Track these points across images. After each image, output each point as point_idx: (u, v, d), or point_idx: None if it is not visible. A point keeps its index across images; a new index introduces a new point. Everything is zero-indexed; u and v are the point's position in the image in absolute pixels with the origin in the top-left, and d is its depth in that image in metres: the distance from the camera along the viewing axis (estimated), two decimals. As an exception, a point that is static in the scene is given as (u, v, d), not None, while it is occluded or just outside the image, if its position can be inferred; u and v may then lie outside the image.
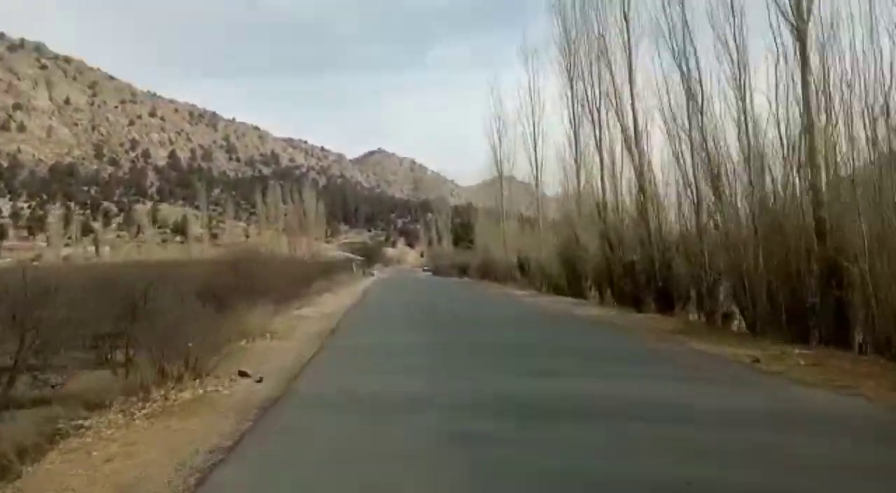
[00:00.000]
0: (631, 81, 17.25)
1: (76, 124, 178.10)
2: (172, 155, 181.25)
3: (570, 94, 22.90)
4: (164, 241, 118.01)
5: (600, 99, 19.85)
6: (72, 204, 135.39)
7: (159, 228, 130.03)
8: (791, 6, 10.67)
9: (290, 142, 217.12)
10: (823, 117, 10.10)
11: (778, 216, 10.46)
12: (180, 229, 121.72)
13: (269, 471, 4.64)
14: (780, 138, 10.61)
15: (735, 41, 11.79)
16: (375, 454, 4.92)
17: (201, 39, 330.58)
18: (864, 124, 9.06)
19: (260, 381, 8.11)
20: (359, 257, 74.13)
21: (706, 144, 12.26)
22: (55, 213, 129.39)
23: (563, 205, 24.97)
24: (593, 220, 20.72)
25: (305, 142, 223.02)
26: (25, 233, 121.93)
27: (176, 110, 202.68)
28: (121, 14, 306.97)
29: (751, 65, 11.69)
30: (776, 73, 10.73)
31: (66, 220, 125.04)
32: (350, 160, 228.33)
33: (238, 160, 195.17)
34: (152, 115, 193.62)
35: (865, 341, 9.29)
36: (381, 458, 4.81)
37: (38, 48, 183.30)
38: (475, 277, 47.35)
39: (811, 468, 4.25)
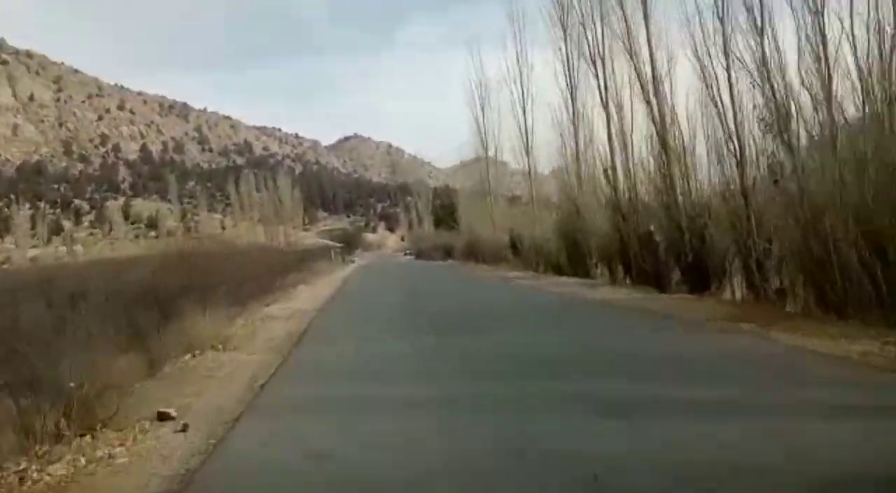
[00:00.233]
0: (646, 15, 14.60)
1: (42, 121, 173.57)
2: (144, 148, 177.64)
3: (564, 47, 20.31)
4: (137, 236, 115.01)
5: (605, 46, 17.27)
6: (41, 203, 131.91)
7: (133, 223, 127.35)
8: None
9: (263, 130, 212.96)
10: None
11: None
12: (154, 224, 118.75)
13: None
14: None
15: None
16: None
17: (169, 29, 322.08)
18: None
19: (184, 429, 5.53)
20: (338, 244, 71.43)
21: (768, 77, 9.65)
22: (24, 213, 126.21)
23: (559, 175, 22.26)
24: (598, 187, 18.22)
25: (279, 130, 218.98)
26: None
27: (145, 102, 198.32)
28: (83, 6, 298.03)
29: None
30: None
31: (35, 220, 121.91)
32: (325, 146, 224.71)
33: (211, 151, 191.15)
34: (121, 108, 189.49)
35: None
36: None
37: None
38: (461, 259, 44.85)
39: None
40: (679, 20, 12.70)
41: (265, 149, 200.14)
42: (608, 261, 18.33)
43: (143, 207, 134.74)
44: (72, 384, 5.29)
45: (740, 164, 11.16)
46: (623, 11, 15.53)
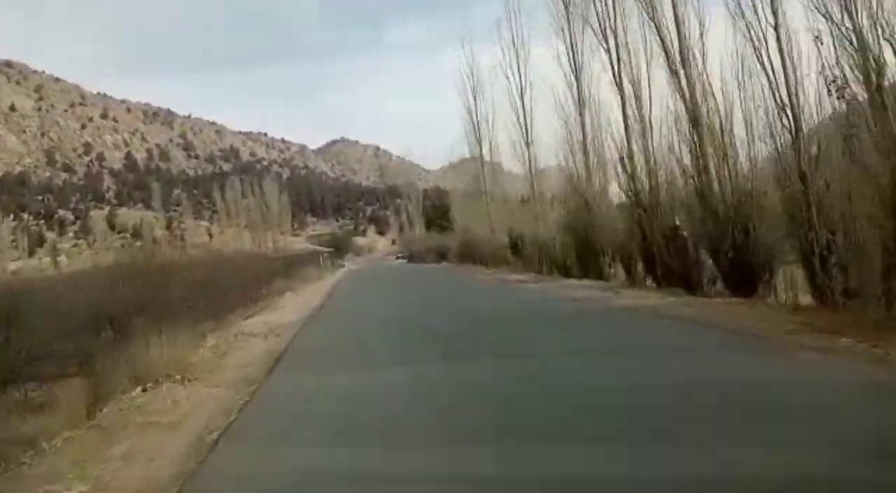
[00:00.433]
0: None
1: (24, 131, 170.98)
2: (128, 157, 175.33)
3: (567, 23, 18.46)
4: (123, 246, 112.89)
5: (616, 13, 15.39)
6: (25, 215, 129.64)
7: (119, 233, 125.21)
8: None
9: (249, 135, 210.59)
10: None
11: None
12: (139, 233, 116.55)
13: None
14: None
15: None
16: None
17: (151, 35, 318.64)
18: None
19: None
20: (327, 249, 69.44)
21: (852, 20, 7.75)
22: (7, 225, 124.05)
23: (564, 166, 20.38)
24: (610, 177, 16.40)
25: (265, 134, 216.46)
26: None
27: (129, 110, 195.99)
28: (63, 14, 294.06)
29: None
30: None
31: (17, 232, 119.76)
32: (313, 150, 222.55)
33: (197, 157, 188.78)
34: (104, 116, 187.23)
35: None
36: None
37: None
38: (456, 261, 43.00)
39: None
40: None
41: (252, 154, 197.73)
42: (625, 260, 16.44)
43: (129, 216, 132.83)
44: None
45: (795, 140, 9.37)
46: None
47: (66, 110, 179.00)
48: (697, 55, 12.07)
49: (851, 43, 7.63)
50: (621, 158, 15.03)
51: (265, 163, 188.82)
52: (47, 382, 9.00)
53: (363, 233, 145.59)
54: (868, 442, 3.88)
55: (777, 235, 10.55)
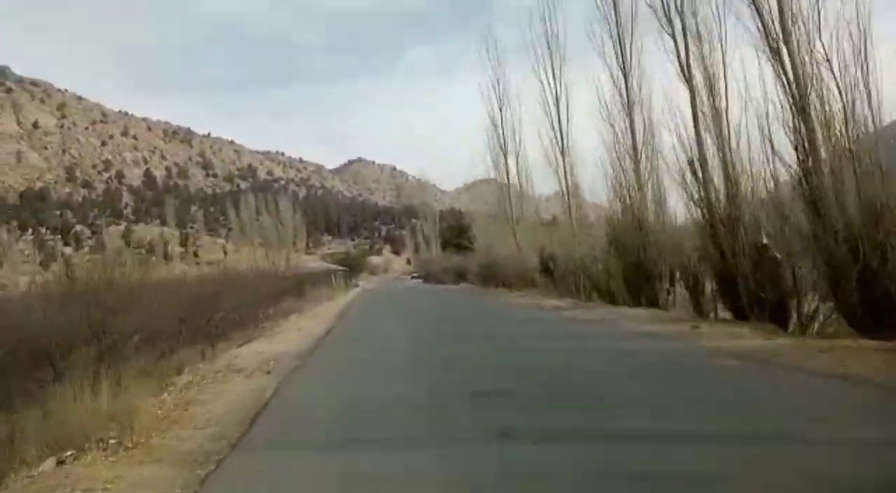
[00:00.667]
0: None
1: (46, 148, 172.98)
2: (147, 174, 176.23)
3: (613, 13, 15.99)
4: (140, 263, 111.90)
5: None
6: (43, 229, 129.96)
7: (135, 249, 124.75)
8: None
9: (267, 155, 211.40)
10: None
11: None
12: (153, 250, 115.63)
13: None
14: None
15: None
16: None
17: (173, 56, 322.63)
18: None
19: None
20: (340, 268, 67.17)
21: None
22: (25, 239, 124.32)
23: (611, 176, 17.57)
24: (664, 188, 13.77)
25: (283, 154, 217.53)
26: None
27: (149, 129, 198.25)
28: (87, 35, 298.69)
29: None
30: None
31: (35, 245, 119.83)
32: (329, 170, 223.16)
33: (215, 176, 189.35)
34: (125, 134, 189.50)
35: None
36: None
37: (2, 72, 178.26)
38: (477, 282, 40.39)
39: None
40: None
41: (269, 173, 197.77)
42: (691, 286, 13.69)
43: (145, 232, 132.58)
44: None
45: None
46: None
47: (87, 128, 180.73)
48: (803, 29, 9.44)
49: None
50: (690, 163, 12.28)
51: (282, 182, 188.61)
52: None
53: (378, 252, 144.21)
54: None
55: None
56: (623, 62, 17.13)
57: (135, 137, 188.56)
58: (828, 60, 8.90)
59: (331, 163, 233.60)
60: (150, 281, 13.30)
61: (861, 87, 8.72)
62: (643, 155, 16.56)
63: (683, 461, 4.33)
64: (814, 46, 9.26)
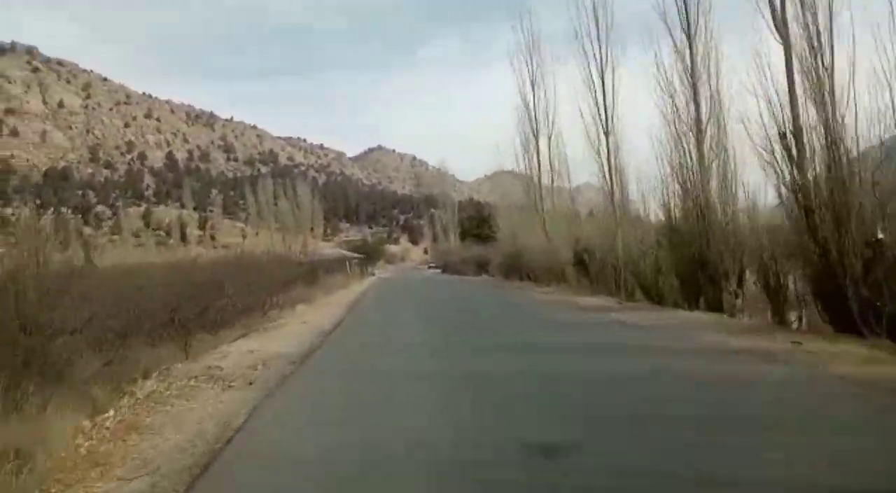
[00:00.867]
0: None
1: (70, 128, 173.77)
2: (169, 156, 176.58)
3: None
4: (158, 243, 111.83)
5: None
6: (65, 209, 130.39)
7: (154, 230, 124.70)
8: None
9: (288, 141, 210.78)
10: None
11: None
12: (170, 231, 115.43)
13: None
14: None
15: None
16: None
17: (198, 40, 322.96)
18: None
19: None
20: (356, 255, 65.53)
21: None
22: (46, 218, 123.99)
23: (669, 159, 14.96)
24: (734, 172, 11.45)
25: (304, 140, 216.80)
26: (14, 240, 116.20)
27: (172, 111, 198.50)
28: (114, 16, 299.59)
29: None
30: None
31: (54, 225, 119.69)
32: (350, 158, 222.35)
33: (236, 160, 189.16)
34: (148, 116, 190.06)
35: None
36: None
37: (30, 51, 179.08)
38: (499, 274, 38.31)
39: None
40: None
41: (290, 159, 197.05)
42: (772, 288, 11.33)
43: (164, 213, 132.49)
44: None
45: None
46: None
47: (111, 109, 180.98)
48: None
49: None
50: (782, 136, 9.92)
51: (303, 167, 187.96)
52: None
53: (396, 241, 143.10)
54: None
55: None
56: (688, 23, 14.70)
57: (158, 120, 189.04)
58: None
59: (351, 150, 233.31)
60: (126, 265, 11.35)
61: None
62: (707, 131, 14.18)
63: None
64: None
